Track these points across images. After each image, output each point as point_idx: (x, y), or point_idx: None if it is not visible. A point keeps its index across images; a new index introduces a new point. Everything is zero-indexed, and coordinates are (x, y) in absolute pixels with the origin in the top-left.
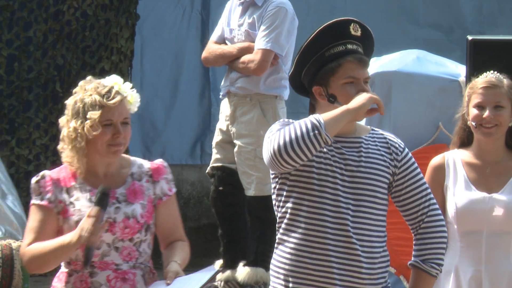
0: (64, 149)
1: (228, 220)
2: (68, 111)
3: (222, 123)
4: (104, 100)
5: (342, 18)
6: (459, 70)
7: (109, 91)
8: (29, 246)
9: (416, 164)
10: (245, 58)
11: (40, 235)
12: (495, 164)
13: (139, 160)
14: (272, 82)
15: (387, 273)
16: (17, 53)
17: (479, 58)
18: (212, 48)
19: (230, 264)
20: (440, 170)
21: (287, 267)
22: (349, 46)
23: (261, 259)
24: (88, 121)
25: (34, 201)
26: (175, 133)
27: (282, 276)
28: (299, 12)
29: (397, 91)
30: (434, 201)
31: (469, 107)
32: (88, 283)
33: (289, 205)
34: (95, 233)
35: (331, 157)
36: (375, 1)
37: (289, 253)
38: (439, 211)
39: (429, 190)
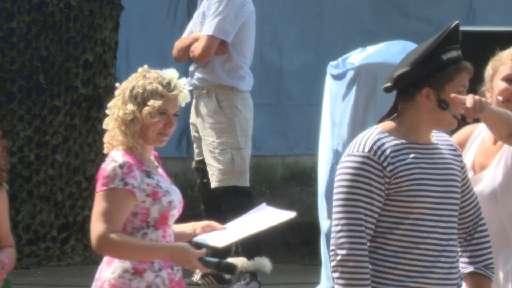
0: (114, 130)
1: (214, 212)
2: (123, 94)
3: (192, 117)
4: (165, 91)
5: (456, 21)
6: None
7: (169, 83)
8: (112, 234)
9: None
10: (193, 46)
11: (116, 221)
12: None
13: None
14: (228, 71)
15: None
16: (0, 45)
17: (464, 48)
18: (178, 43)
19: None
20: (464, 136)
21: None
22: (460, 52)
23: (241, 249)
24: (147, 108)
25: (114, 185)
26: None
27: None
28: (286, 3)
29: (382, 82)
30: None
31: (495, 80)
32: (169, 261)
33: (387, 220)
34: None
35: (426, 167)
36: None
37: (378, 264)
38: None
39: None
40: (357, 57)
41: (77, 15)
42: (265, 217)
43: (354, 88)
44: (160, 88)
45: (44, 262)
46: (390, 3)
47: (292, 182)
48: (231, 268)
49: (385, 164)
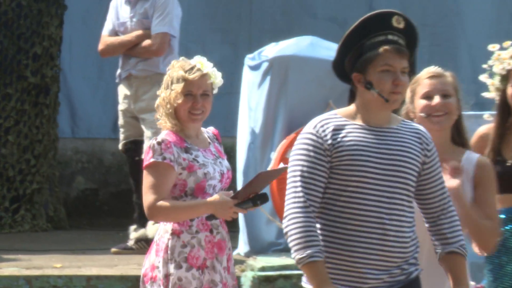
0: (161, 115)
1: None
2: (163, 84)
3: (123, 105)
4: (186, 75)
5: (386, 10)
6: None
7: (192, 68)
8: (159, 202)
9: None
10: (145, 43)
11: (162, 191)
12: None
13: (202, 128)
14: (168, 62)
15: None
16: None
17: None
18: (109, 40)
19: (142, 225)
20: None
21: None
22: (390, 37)
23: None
24: (172, 92)
25: (155, 160)
26: (100, 111)
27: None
28: (209, 4)
29: (293, 73)
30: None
31: (415, 101)
32: (209, 225)
33: (332, 188)
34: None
35: (369, 145)
36: None
37: (323, 229)
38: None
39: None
40: (271, 50)
41: (27, 14)
42: (266, 177)
43: (268, 77)
44: (182, 73)
45: None
46: (299, 5)
47: None
48: (264, 197)
49: (325, 138)
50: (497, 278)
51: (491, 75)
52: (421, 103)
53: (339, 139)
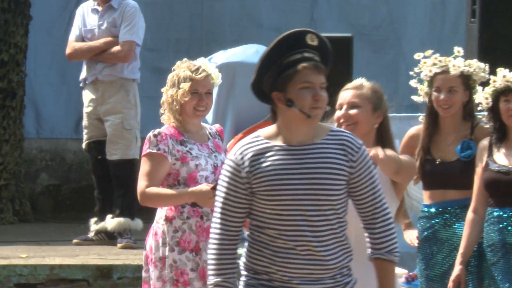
0: (165, 111)
1: (105, 183)
2: (167, 83)
3: (88, 108)
4: (193, 75)
5: (300, 29)
6: None
7: (198, 68)
8: (148, 188)
9: (370, 163)
10: (114, 49)
11: (154, 179)
12: None
13: (205, 124)
14: (131, 68)
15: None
16: None
17: None
18: (77, 45)
19: (102, 218)
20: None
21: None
22: (306, 54)
23: (126, 212)
24: (180, 90)
25: (151, 150)
26: (62, 113)
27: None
28: (165, 15)
29: (239, 78)
30: (383, 197)
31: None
32: (200, 212)
33: (257, 212)
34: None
35: (288, 167)
36: (226, 7)
37: (254, 248)
38: (387, 205)
39: (379, 186)
40: (219, 57)
41: None
42: None
43: None
44: (189, 73)
45: None
46: (247, 16)
47: None
48: None
49: (243, 166)
50: (428, 266)
51: (420, 80)
52: (336, 113)
53: (257, 166)
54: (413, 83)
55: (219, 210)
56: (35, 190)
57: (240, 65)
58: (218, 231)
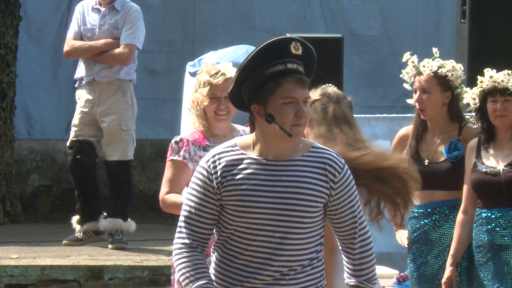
0: (192, 116)
1: (85, 183)
2: (194, 87)
3: (84, 107)
4: (211, 79)
5: (283, 36)
6: None
7: (217, 72)
8: (168, 195)
9: (352, 183)
10: (115, 51)
11: (175, 185)
12: None
13: (240, 127)
14: (128, 69)
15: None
16: None
17: None
18: (77, 43)
19: (90, 218)
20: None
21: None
22: (289, 66)
23: (120, 212)
24: (199, 95)
25: (172, 157)
26: (53, 114)
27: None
28: (160, 19)
29: None
30: (363, 219)
31: None
32: None
33: (225, 224)
34: None
35: (260, 183)
36: (218, 8)
37: (221, 262)
38: (368, 229)
39: (360, 209)
40: (210, 57)
41: None
42: None
43: None
44: (207, 77)
45: None
46: (239, 18)
47: (158, 158)
48: None
49: (215, 175)
50: (419, 267)
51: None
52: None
53: (229, 177)
54: (406, 85)
55: (186, 218)
56: (25, 190)
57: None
58: (186, 241)
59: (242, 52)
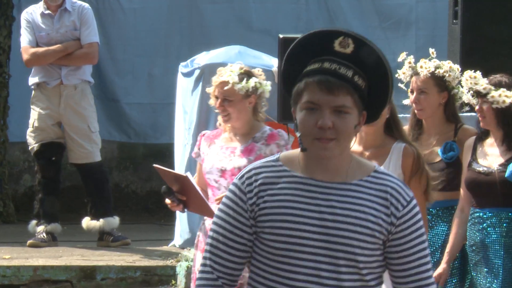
0: None
1: (56, 184)
2: None
3: (46, 110)
4: (214, 80)
5: (329, 28)
6: (272, 62)
7: (220, 74)
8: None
9: (420, 224)
10: (81, 51)
11: (198, 177)
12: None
13: (267, 127)
14: (88, 71)
15: None
16: None
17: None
18: (39, 50)
19: (54, 219)
20: None
21: None
22: (326, 65)
23: (108, 211)
24: (210, 94)
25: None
26: None
27: None
28: (156, 22)
29: None
30: (430, 267)
31: None
32: None
33: (260, 255)
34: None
35: (304, 207)
36: (214, 10)
37: None
38: (433, 280)
39: (428, 255)
40: (202, 58)
41: None
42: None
43: (200, 83)
44: (214, 78)
45: None
46: (236, 19)
47: (151, 158)
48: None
49: (249, 196)
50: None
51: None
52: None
53: (266, 197)
54: (402, 85)
55: (212, 248)
56: (18, 191)
57: (223, 66)
58: (208, 275)
59: (234, 52)
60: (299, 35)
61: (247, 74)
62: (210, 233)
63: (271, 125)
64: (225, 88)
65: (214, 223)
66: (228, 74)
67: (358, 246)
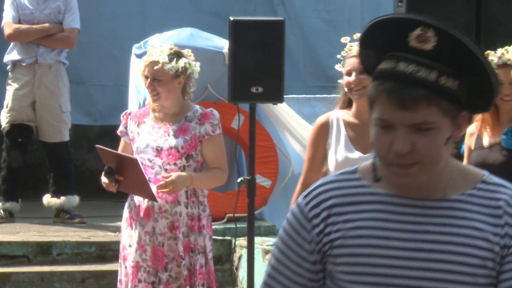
0: None
1: (19, 164)
2: None
3: (20, 89)
4: (144, 59)
5: (403, 15)
6: (223, 43)
7: (150, 53)
8: None
9: None
10: (62, 35)
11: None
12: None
13: (197, 107)
14: (64, 53)
15: None
16: None
17: (238, 34)
18: (22, 27)
19: (8, 198)
20: (325, 128)
21: None
22: (401, 67)
23: (69, 190)
24: (140, 73)
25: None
26: None
27: None
28: (117, 3)
29: None
30: None
31: (344, 74)
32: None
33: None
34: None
35: (392, 236)
36: None
37: None
38: None
39: None
40: (155, 40)
41: None
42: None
43: None
44: (145, 57)
45: None
46: (189, 2)
47: (105, 138)
48: (107, 169)
49: (315, 222)
50: None
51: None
52: (345, 78)
53: (339, 225)
54: (338, 67)
55: (268, 277)
56: None
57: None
58: None
59: (186, 34)
60: (248, 17)
61: (176, 55)
62: (267, 267)
63: (222, 105)
64: (155, 68)
65: (272, 255)
66: (158, 54)
67: (463, 281)
